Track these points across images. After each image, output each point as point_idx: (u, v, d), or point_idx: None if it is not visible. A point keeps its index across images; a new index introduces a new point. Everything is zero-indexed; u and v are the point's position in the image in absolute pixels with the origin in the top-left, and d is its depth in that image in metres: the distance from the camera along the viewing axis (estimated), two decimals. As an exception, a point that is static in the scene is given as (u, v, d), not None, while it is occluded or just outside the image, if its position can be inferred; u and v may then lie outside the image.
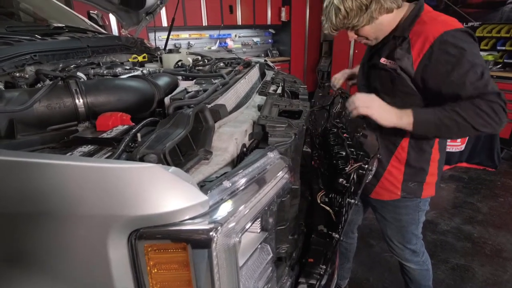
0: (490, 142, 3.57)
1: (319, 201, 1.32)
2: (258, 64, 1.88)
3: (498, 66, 4.25)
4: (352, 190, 1.13)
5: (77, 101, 0.91)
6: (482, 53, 4.34)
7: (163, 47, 2.34)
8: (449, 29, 1.07)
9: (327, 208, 1.28)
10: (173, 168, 0.59)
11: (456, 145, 3.59)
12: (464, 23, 4.59)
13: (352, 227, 1.80)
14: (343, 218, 1.09)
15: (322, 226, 1.29)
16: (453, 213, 2.89)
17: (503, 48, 4.17)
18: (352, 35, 1.25)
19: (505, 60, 4.17)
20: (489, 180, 3.48)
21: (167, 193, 0.56)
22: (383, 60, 1.23)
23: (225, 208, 0.63)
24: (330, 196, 1.34)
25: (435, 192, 1.40)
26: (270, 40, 6.61)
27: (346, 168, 1.19)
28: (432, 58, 1.09)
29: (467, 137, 3.53)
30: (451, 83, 1.07)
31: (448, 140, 3.51)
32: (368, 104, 1.17)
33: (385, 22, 1.18)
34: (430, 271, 1.61)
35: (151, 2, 2.07)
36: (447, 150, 3.59)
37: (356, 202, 1.06)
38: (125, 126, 0.87)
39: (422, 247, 1.56)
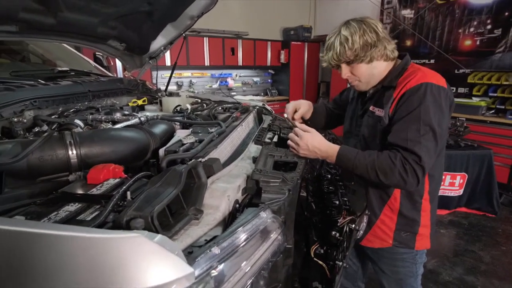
0: (489, 187, 3.54)
1: (312, 255, 1.27)
2: (255, 110, 1.91)
3: (491, 112, 4.36)
4: (344, 245, 1.10)
5: (70, 152, 0.91)
6: (475, 98, 4.47)
7: (165, 86, 2.40)
8: (423, 82, 1.14)
9: (321, 263, 1.23)
10: (158, 237, 0.57)
11: (454, 189, 3.56)
12: (456, 70, 4.78)
13: (359, 276, 1.73)
14: (336, 278, 1.04)
15: (317, 283, 1.23)
16: (454, 262, 2.79)
17: (495, 94, 4.31)
18: (346, 72, 1.26)
19: (497, 106, 4.29)
20: (489, 227, 3.40)
21: (150, 266, 0.53)
22: (371, 108, 1.29)
23: (213, 279, 0.60)
24: (324, 248, 1.30)
25: (430, 244, 1.37)
26: (269, 80, 6.83)
27: (338, 220, 1.16)
28: (399, 104, 1.17)
29: (465, 182, 3.51)
30: (396, 126, 1.15)
31: (446, 184, 3.51)
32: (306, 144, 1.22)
33: (379, 68, 1.24)
34: None
35: (154, 47, 2.16)
36: (446, 194, 3.56)
37: (346, 265, 1.02)
38: (116, 180, 0.86)
39: None
